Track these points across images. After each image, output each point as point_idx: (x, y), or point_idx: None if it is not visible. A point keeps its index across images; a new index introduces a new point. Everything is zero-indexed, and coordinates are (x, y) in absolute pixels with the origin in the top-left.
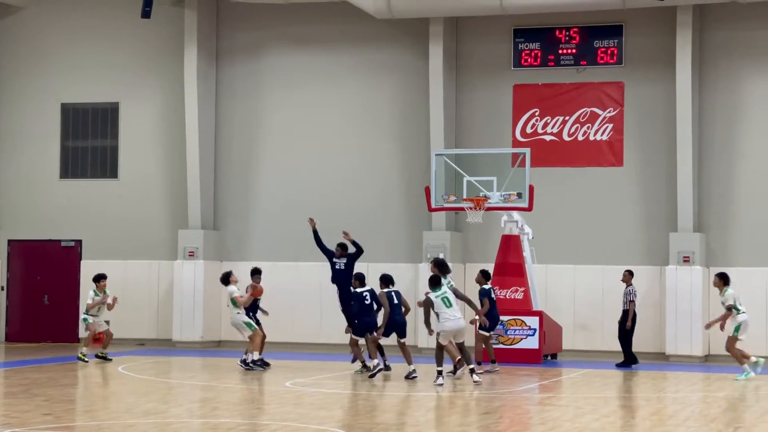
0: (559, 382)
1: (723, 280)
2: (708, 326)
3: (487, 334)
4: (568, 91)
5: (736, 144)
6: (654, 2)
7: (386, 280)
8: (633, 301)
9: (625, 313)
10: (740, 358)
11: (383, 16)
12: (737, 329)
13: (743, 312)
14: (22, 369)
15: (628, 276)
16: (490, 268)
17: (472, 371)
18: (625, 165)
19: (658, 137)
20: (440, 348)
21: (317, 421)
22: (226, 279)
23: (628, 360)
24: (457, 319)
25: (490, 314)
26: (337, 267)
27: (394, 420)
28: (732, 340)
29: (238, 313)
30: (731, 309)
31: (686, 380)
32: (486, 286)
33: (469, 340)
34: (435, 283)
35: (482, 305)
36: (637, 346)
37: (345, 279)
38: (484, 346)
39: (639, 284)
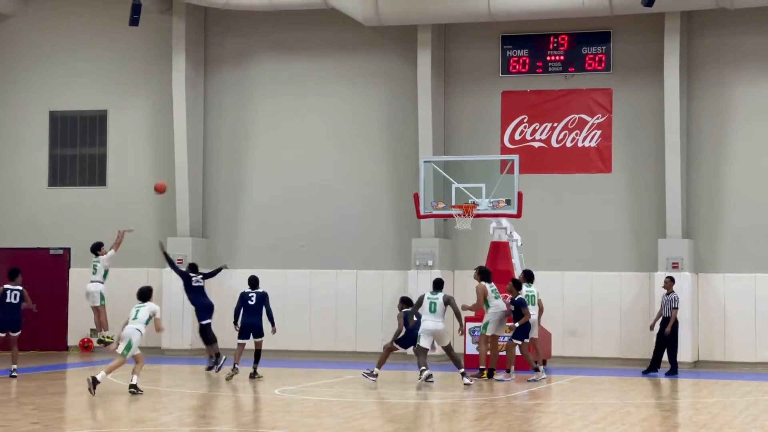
0: (549, 388)
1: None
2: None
3: (520, 342)
4: (557, 97)
5: (724, 150)
6: (642, 9)
7: (406, 301)
8: (676, 309)
9: (666, 320)
10: (532, 361)
11: (371, 23)
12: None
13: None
14: (10, 377)
15: (670, 283)
16: None
17: (463, 374)
18: (613, 171)
19: (647, 144)
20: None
21: (306, 428)
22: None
23: (674, 367)
24: (435, 322)
25: (526, 322)
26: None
27: (383, 427)
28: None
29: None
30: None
31: (676, 386)
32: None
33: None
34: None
35: (523, 315)
36: (626, 353)
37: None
38: (520, 353)
39: (627, 291)
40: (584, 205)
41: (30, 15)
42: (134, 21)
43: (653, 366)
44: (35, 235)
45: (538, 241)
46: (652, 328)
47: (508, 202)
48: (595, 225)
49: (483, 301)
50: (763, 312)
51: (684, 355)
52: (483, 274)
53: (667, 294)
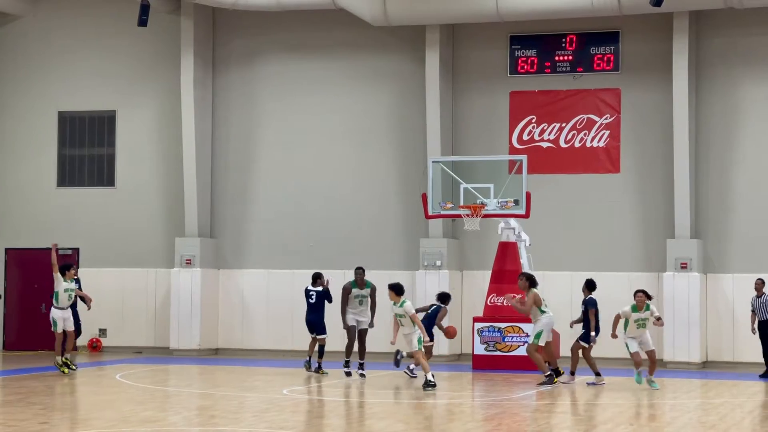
0: (557, 389)
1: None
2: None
3: (586, 345)
4: (565, 97)
5: (732, 150)
6: (650, 8)
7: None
8: None
9: (761, 323)
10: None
11: (380, 23)
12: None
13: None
14: (19, 377)
15: (760, 285)
16: (487, 275)
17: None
18: (621, 172)
19: (655, 144)
20: None
21: (314, 428)
22: (401, 289)
23: None
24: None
25: (596, 325)
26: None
27: (392, 427)
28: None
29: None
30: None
31: (684, 387)
32: (593, 296)
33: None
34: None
35: (591, 315)
36: None
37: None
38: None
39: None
40: (592, 206)
41: (39, 16)
42: (143, 21)
43: None
44: (44, 235)
45: (547, 242)
46: (754, 332)
47: (516, 202)
48: (604, 225)
49: (532, 306)
50: None
51: (692, 355)
52: (531, 281)
53: (758, 296)
